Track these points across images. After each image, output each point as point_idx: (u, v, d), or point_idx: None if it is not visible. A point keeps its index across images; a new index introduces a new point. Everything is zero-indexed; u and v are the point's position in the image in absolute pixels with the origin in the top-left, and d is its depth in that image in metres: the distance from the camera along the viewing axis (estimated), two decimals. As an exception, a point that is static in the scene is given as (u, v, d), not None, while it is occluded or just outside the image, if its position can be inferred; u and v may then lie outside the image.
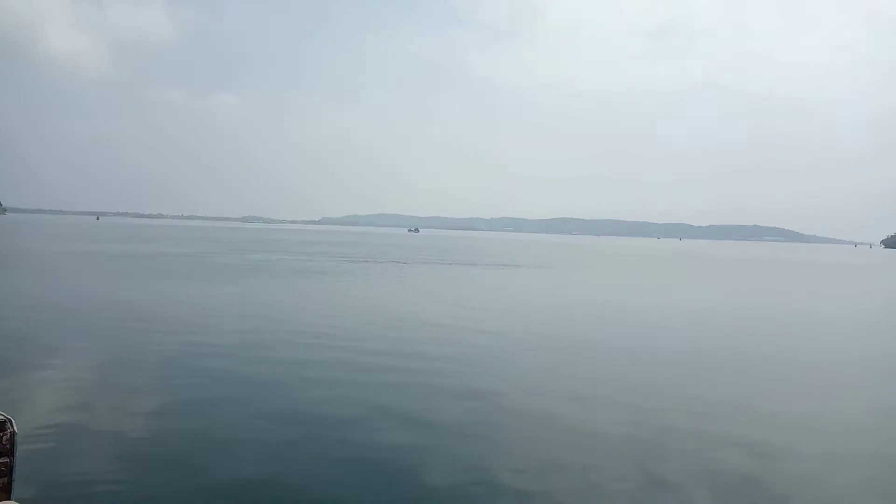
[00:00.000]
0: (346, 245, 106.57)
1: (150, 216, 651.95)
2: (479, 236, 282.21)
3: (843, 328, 28.39)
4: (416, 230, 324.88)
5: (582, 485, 8.98)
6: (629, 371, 16.49)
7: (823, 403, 14.11)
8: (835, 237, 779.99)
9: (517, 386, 14.44)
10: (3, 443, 5.21)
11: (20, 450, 5.36)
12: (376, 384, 14.02)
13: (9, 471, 5.26)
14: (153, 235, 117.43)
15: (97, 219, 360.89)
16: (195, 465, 9.21)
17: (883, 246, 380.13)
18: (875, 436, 11.91)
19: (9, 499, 5.27)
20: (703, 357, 19.00)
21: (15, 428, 5.26)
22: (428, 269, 55.35)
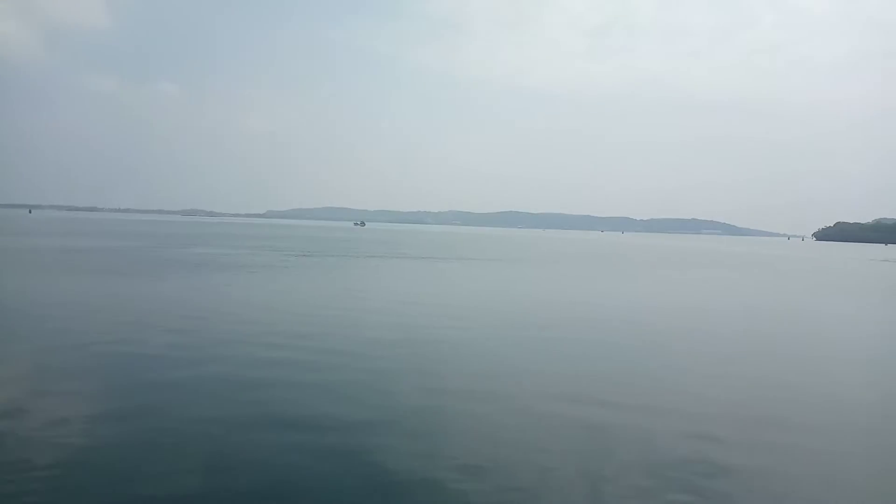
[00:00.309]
0: (291, 238, 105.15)
1: (85, 209, 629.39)
2: (426, 229, 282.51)
3: (791, 316, 29.33)
4: (363, 223, 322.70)
5: (538, 477, 8.93)
6: (582, 363, 16.60)
7: (778, 394, 14.43)
8: (769, 230, 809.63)
9: (473, 381, 14.28)
10: None
11: None
12: (327, 382, 13.67)
13: None
14: (89, 229, 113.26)
15: (29, 212, 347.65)
16: (135, 473, 8.74)
17: (814, 238, 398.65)
18: (823, 427, 12.24)
19: None
20: (661, 348, 19.22)
21: None
22: (375, 262, 54.92)
